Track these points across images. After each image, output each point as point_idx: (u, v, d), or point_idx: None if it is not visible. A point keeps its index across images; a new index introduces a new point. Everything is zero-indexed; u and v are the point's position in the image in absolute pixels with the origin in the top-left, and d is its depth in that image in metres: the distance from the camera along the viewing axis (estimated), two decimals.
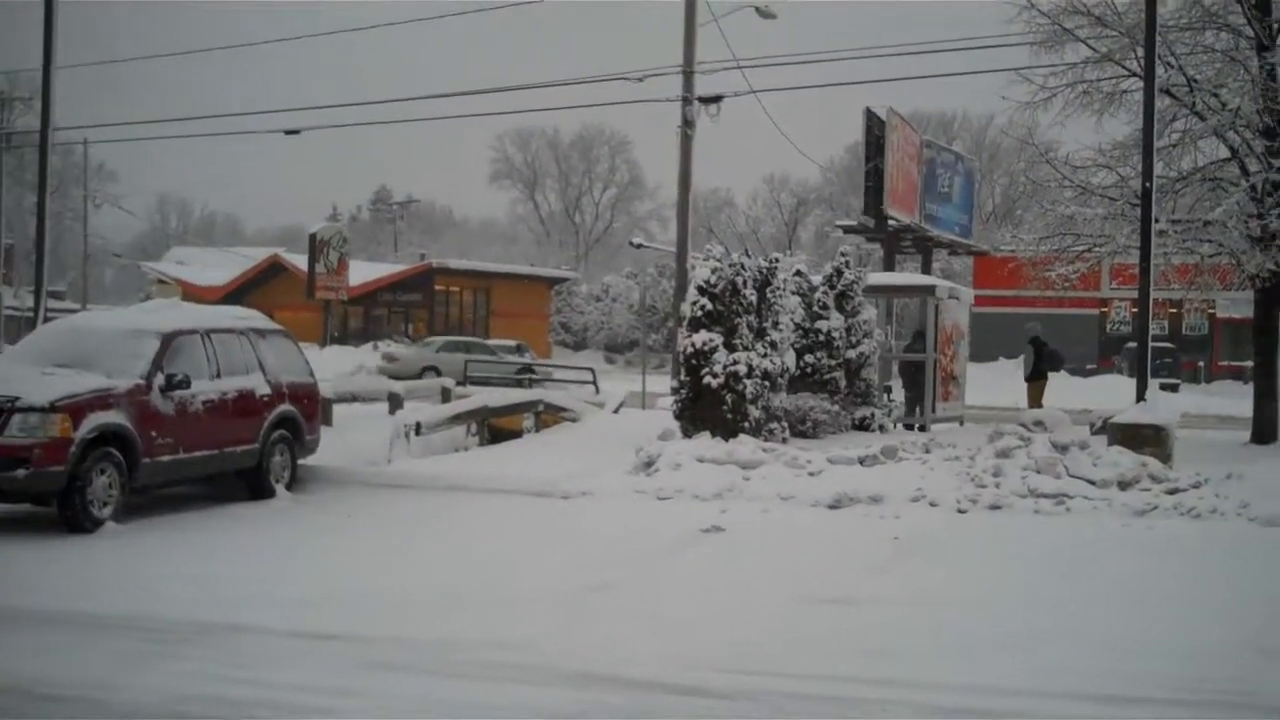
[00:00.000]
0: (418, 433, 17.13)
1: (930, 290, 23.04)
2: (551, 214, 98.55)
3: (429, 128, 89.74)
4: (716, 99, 23.68)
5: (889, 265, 37.46)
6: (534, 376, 35.05)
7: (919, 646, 7.70)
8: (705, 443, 15.70)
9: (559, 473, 14.94)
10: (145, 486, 12.61)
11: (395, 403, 19.58)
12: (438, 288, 50.49)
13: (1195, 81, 19.20)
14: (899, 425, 21.50)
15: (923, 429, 21.60)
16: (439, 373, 33.67)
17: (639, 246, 53.45)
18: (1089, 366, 45.33)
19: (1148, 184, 16.67)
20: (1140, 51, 17.65)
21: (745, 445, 15.53)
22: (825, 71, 26.02)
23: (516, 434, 19.03)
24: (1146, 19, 16.76)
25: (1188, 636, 7.88)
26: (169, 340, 13.01)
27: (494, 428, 18.81)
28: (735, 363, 16.96)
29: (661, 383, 23.26)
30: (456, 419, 18.22)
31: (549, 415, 19.40)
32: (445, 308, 50.74)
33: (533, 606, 8.72)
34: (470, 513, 13.12)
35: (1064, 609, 8.67)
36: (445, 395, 21.09)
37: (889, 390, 21.73)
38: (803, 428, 18.32)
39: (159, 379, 12.57)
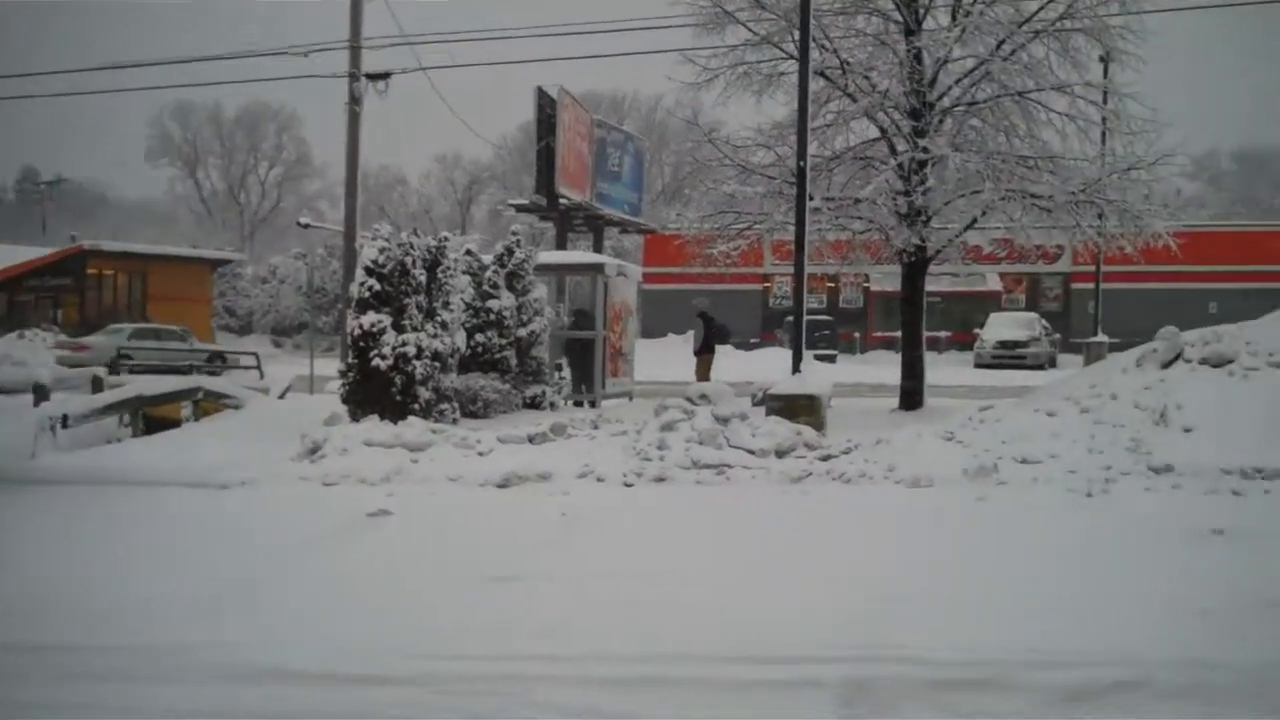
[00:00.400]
0: (64, 425, 16.11)
1: (599, 268, 23.35)
2: (214, 193, 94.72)
3: (79, 103, 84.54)
4: (385, 76, 23.30)
5: (561, 244, 37.80)
6: (224, 365, 33.83)
7: (590, 621, 7.76)
8: (373, 426, 15.42)
9: (219, 462, 14.37)
10: None
11: (41, 394, 18.39)
12: (90, 271, 47.64)
13: (848, 64, 20.09)
14: (569, 402, 21.72)
15: (592, 405, 21.89)
16: (131, 360, 32.11)
17: (307, 226, 52.04)
18: (753, 340, 47.06)
19: (802, 163, 17.35)
20: (796, 35, 18.31)
21: (414, 427, 15.34)
22: (498, 49, 25.96)
23: (176, 423, 18.15)
24: (801, 3, 17.41)
25: (835, 599, 8.22)
26: None
27: (151, 417, 17.89)
28: (404, 344, 16.74)
29: (332, 366, 22.71)
30: (109, 409, 17.23)
31: (210, 403, 18.60)
32: (99, 292, 47.95)
33: (182, 605, 8.31)
34: (118, 508, 12.41)
35: (722, 576, 8.91)
36: (96, 384, 19.94)
37: (560, 368, 21.91)
38: (473, 408, 18.26)
39: None
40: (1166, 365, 15.18)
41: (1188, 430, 13.48)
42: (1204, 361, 14.96)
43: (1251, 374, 14.50)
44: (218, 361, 34.45)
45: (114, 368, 28.84)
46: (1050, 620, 7.64)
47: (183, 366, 30.39)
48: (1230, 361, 14.81)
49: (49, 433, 15.84)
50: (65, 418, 16.23)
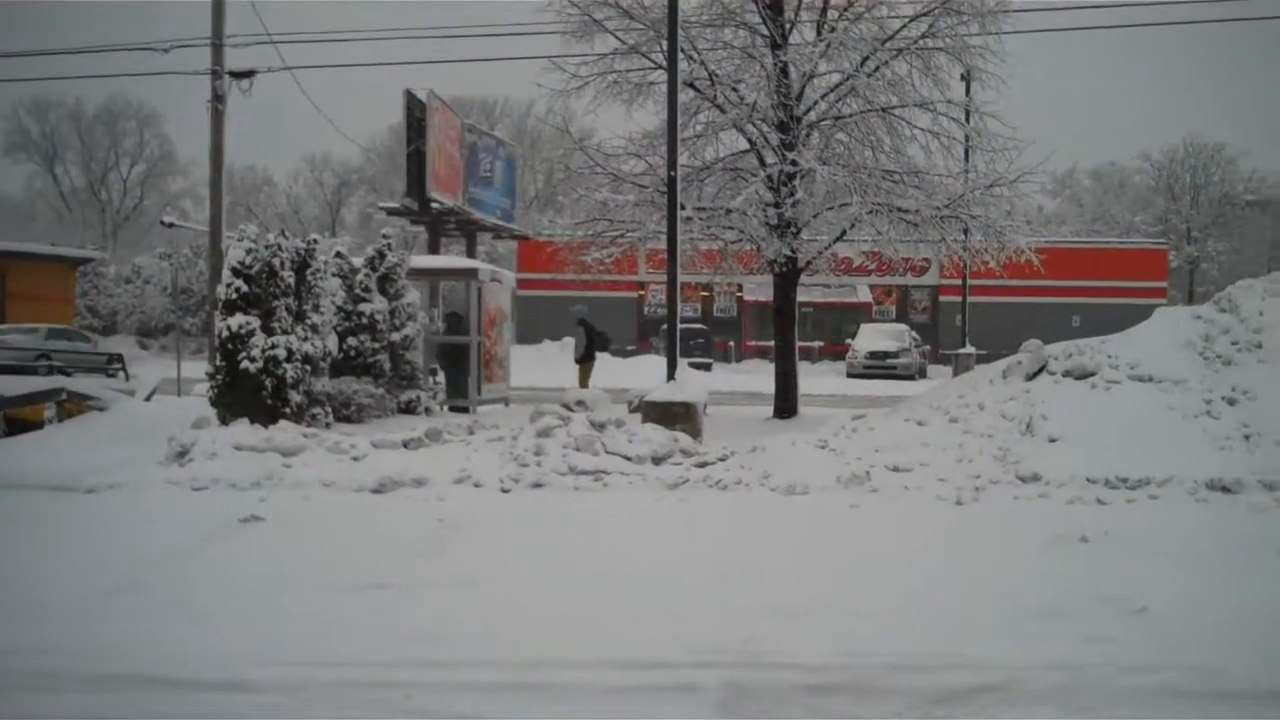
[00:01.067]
0: None
1: (473, 273, 23.21)
2: (74, 190, 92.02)
3: None
4: (249, 74, 22.92)
5: (433, 249, 37.49)
6: (121, 367, 33.03)
7: (464, 627, 7.72)
8: (243, 429, 15.14)
9: (84, 465, 13.99)
10: None
11: None
12: None
13: (716, 76, 20.27)
14: (444, 408, 21.56)
15: (467, 411, 21.76)
16: (50, 360, 31.14)
17: (171, 226, 50.83)
18: (629, 348, 47.24)
19: (673, 173, 17.45)
20: (665, 45, 18.44)
21: (286, 431, 15.10)
22: (369, 50, 25.74)
23: (39, 425, 17.62)
24: (669, 14, 17.52)
25: (711, 604, 8.29)
26: None
27: (12, 419, 17.35)
28: (274, 347, 16.46)
29: (200, 368, 22.25)
30: None
31: (73, 404, 18.08)
32: None
33: (46, 611, 8.09)
34: None
35: (601, 581, 8.92)
36: None
37: (435, 373, 21.73)
38: (347, 412, 18.02)
39: None
40: (1032, 377, 15.58)
41: (1053, 440, 13.86)
42: (1067, 374, 15.39)
43: (1113, 386, 14.96)
44: (117, 364, 33.62)
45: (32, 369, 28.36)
46: (918, 625, 7.80)
47: (90, 368, 29.97)
48: (1093, 374, 15.26)
49: None
50: None
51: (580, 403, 15.90)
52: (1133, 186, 77.25)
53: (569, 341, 33.87)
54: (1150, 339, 15.95)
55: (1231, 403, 14.35)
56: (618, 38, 20.58)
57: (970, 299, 39.04)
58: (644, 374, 28.30)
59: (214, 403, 16.45)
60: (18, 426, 17.37)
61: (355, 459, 14.15)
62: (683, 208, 18.41)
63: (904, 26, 19.90)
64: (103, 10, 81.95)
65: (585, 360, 25.82)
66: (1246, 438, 13.63)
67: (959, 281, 39.05)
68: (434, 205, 34.29)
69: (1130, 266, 52.57)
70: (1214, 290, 33.71)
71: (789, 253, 20.62)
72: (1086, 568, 9.40)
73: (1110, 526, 10.83)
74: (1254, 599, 8.49)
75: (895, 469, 13.35)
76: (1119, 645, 7.41)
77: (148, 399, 20.60)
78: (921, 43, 20.00)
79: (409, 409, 19.76)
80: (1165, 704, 6.47)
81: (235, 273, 16.53)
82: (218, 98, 22.43)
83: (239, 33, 22.86)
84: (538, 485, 13.19)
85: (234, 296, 16.45)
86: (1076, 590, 8.61)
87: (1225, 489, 12.51)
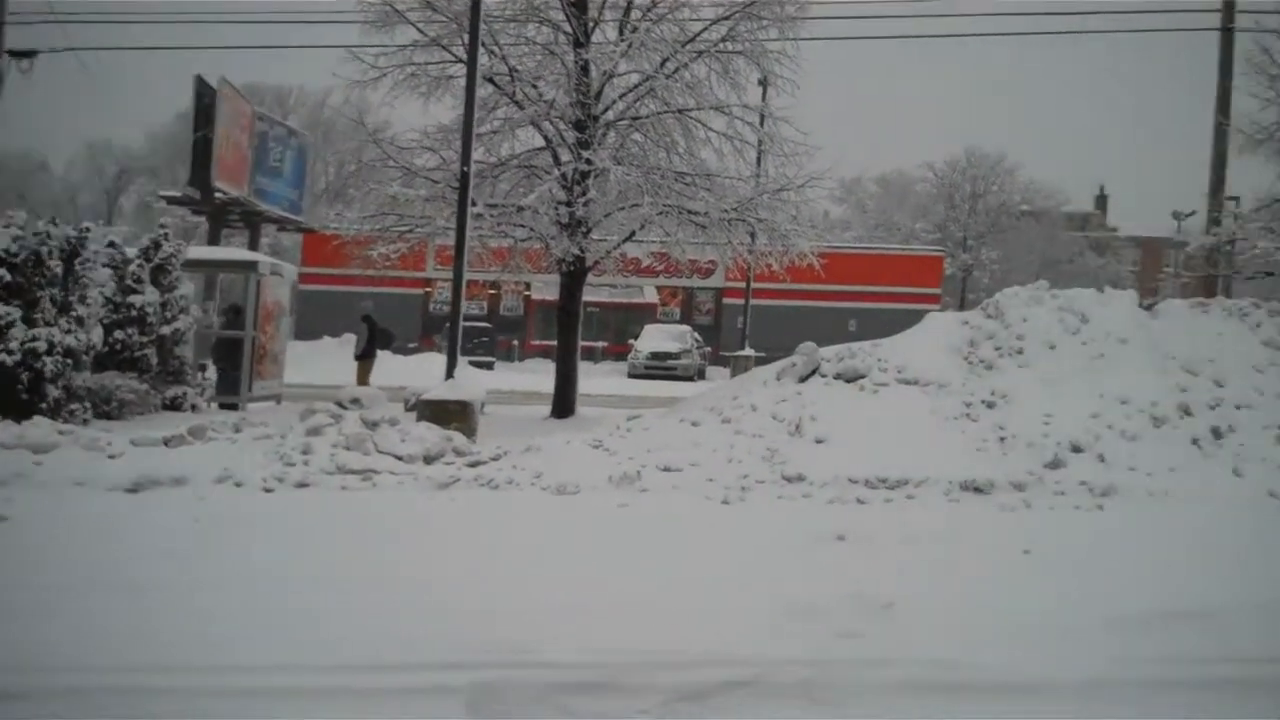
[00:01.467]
0: None
1: (252, 266, 22.64)
2: None
3: None
4: (30, 54, 21.98)
5: (215, 239, 36.44)
6: None
7: (221, 630, 7.46)
8: None
9: None
10: None
11: None
12: None
13: (516, 72, 20.20)
14: (213, 405, 20.94)
15: (236, 408, 21.17)
16: None
17: None
18: (410, 345, 46.70)
19: (466, 168, 17.31)
20: (466, 38, 18.30)
21: (40, 427, 14.45)
22: (161, 33, 24.85)
23: None
24: (471, 7, 17.37)
25: (469, 603, 8.20)
26: None
27: None
28: (35, 339, 15.81)
29: None
30: None
31: None
32: None
33: None
34: None
35: (359, 582, 8.74)
36: None
37: (204, 368, 21.09)
38: (107, 408, 17.36)
39: None
40: (804, 379, 15.93)
41: (819, 441, 14.18)
42: (838, 376, 15.78)
43: (881, 389, 15.40)
44: None
45: None
46: (676, 623, 7.85)
47: None
48: (862, 377, 15.68)
49: None
50: None
51: (355, 400, 15.62)
52: (915, 195, 79.87)
53: (349, 338, 33.33)
54: (920, 343, 16.49)
55: (990, 405, 14.93)
56: (419, 29, 20.36)
57: (753, 302, 39.89)
58: (425, 371, 27.98)
59: None
60: None
61: (111, 457, 13.59)
62: (474, 204, 18.27)
63: (705, 29, 20.19)
64: None
65: (365, 357, 25.42)
66: (1001, 440, 14.20)
67: (743, 284, 39.79)
68: (218, 195, 33.30)
69: (907, 272, 54.34)
70: (984, 297, 35.14)
71: (578, 252, 20.68)
72: (842, 566, 9.63)
73: (868, 526, 11.13)
74: (994, 595, 8.81)
75: (666, 469, 13.48)
76: (866, 640, 7.58)
77: None
78: (721, 45, 20.33)
79: (175, 405, 19.15)
80: (902, 695, 6.65)
81: None
82: None
83: (22, 10, 21.85)
84: (303, 485, 12.87)
85: None
86: (831, 588, 8.79)
87: (978, 489, 13.00)
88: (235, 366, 21.78)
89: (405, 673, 6.80)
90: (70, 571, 8.94)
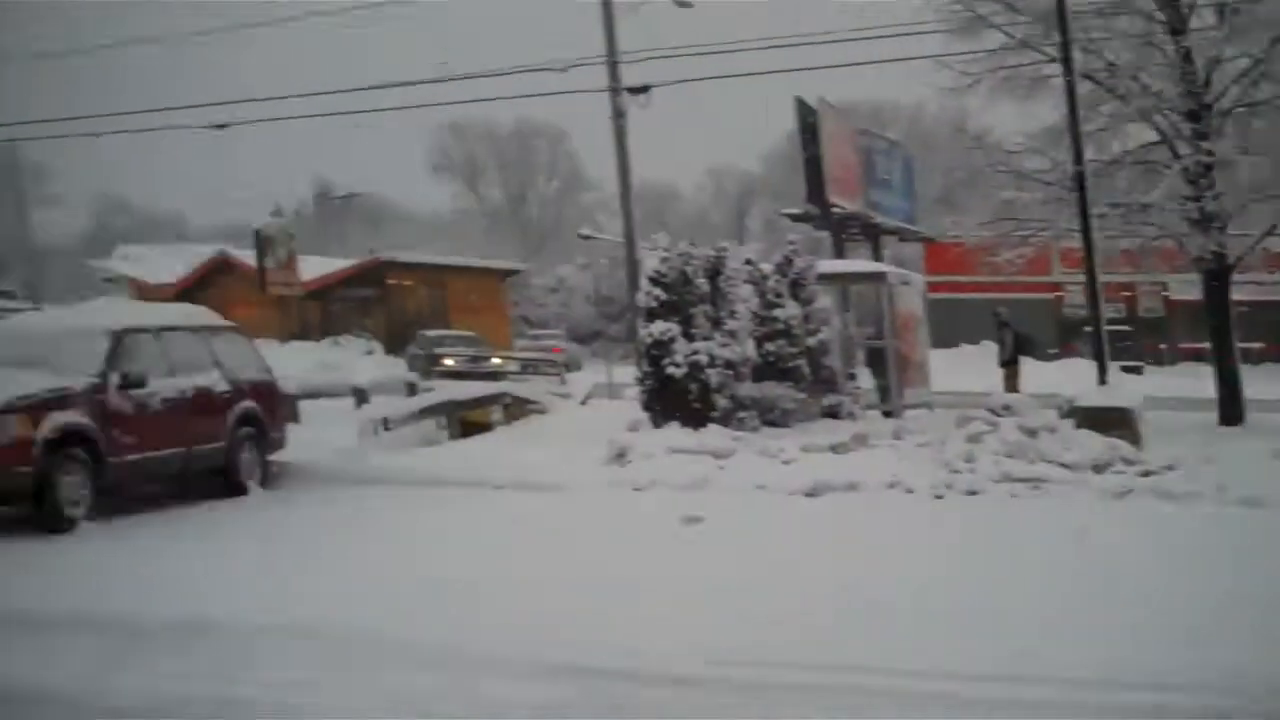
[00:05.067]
0: (386, 428, 16.97)
1: (882, 277, 23.10)
2: (496, 207, 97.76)
3: (358, 121, 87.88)
4: (644, 89, 23.59)
5: (838, 253, 37.41)
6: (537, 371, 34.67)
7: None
8: (676, 433, 15.72)
9: (531, 465, 14.86)
10: (115, 486, 12.45)
11: (361, 397, 19.42)
12: (390, 281, 49.89)
13: (1114, 65, 19.30)
14: (869, 412, 21.48)
15: (890, 415, 21.57)
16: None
17: (587, 238, 53.27)
18: (1050, 351, 45.54)
19: (1079, 168, 16.81)
20: (1055, 37, 17.74)
21: (716, 435, 15.55)
22: (756, 60, 25.99)
23: (486, 427, 18.90)
24: (1057, 5, 16.83)
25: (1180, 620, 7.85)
26: (119, 338, 12.89)
27: (464, 421, 18.73)
28: (696, 352, 16.94)
29: (628, 373, 23.18)
30: (423, 413, 18.09)
31: (516, 408, 19.30)
32: (402, 302, 50.09)
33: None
34: (452, 506, 13.01)
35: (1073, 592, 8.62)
36: (411, 389, 20.94)
37: (853, 377, 21.73)
38: (771, 416, 18.26)
39: (114, 377, 12.42)
40: None
41: None
42: None
43: None
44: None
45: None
46: None
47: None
48: None
49: (372, 435, 16.70)
50: (385, 421, 17.08)
51: (1007, 408, 15.51)
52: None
53: (986, 345, 33.07)
54: None
55: None
56: (1005, 32, 19.94)
57: None
58: (1071, 378, 27.21)
59: (646, 406, 17.10)
60: (469, 429, 18.68)
61: (785, 463, 14.37)
62: (1094, 204, 17.67)
63: None
64: (498, 28, 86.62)
65: (1010, 364, 25.12)
66: None
67: None
68: (835, 210, 34.16)
69: None
70: None
71: (1216, 249, 19.40)
72: None
73: None
74: None
75: None
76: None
77: (583, 403, 21.68)
78: None
79: (832, 413, 19.83)
80: None
81: (653, 281, 17.14)
82: (618, 113, 23.25)
83: (631, 48, 23.52)
84: (972, 492, 12.85)
85: (654, 304, 17.06)
86: None
87: None
88: (882, 375, 22.26)
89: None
90: (784, 571, 9.41)
